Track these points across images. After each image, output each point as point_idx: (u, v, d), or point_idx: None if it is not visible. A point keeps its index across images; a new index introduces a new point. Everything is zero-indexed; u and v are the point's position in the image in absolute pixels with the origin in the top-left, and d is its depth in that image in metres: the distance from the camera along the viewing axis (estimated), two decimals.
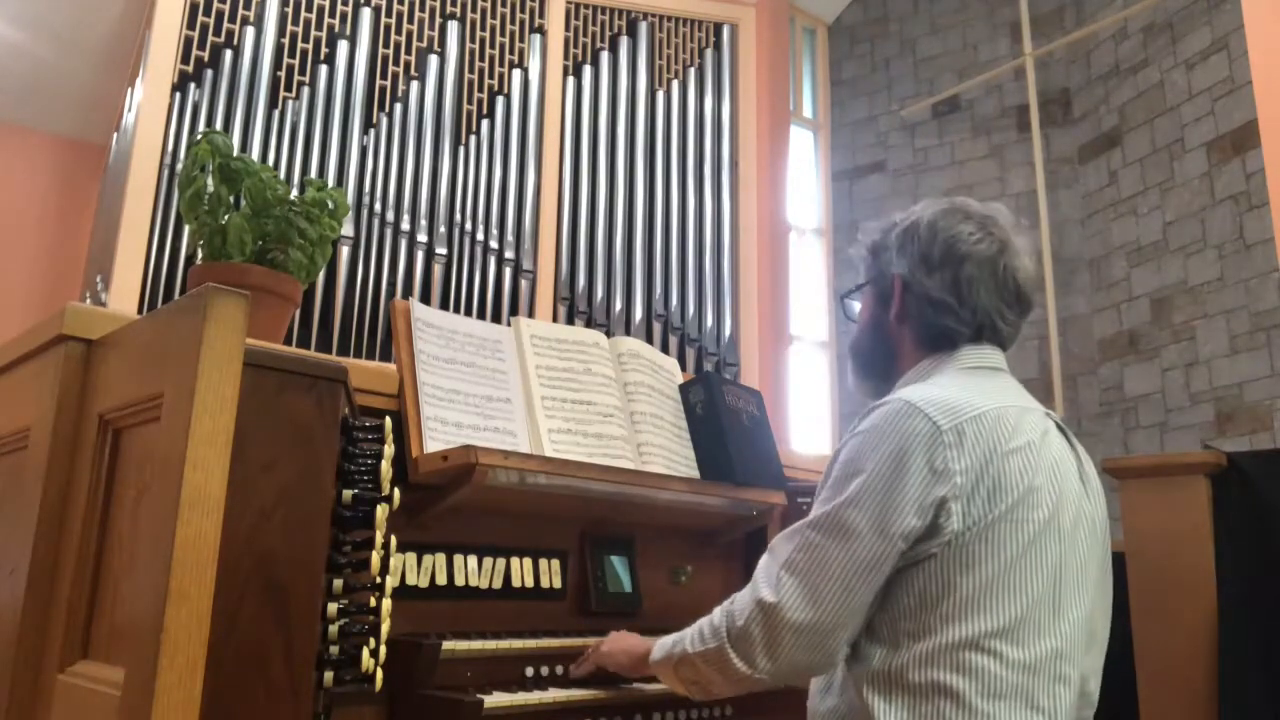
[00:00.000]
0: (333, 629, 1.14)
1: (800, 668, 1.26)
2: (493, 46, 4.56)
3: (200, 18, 4.00)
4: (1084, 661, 1.26)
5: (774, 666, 1.25)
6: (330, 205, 1.83)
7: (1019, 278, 1.40)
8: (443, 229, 4.19)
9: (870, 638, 1.25)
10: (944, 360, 1.39)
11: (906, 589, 1.22)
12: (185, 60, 3.95)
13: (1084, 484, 1.34)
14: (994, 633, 1.17)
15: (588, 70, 4.71)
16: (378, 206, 4.09)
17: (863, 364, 1.52)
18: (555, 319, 4.30)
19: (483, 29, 4.55)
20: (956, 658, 1.17)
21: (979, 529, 1.19)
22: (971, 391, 1.29)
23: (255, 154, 3.88)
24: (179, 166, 3.70)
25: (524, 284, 4.29)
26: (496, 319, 4.14)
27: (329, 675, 1.12)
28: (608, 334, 2.05)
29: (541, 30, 4.66)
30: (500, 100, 4.48)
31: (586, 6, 4.79)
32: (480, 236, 4.25)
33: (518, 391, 1.75)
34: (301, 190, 1.99)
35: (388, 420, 1.27)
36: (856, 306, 1.56)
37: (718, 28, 5.06)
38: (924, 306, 1.40)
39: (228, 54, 3.97)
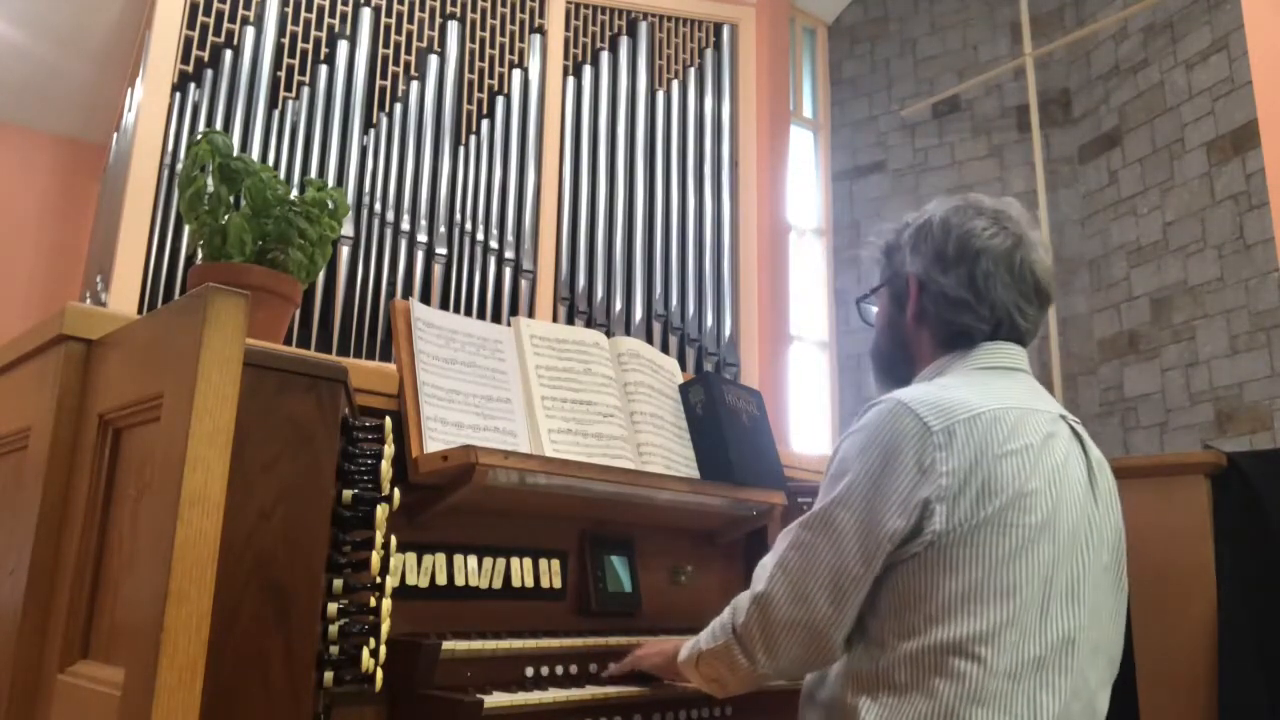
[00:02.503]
0: (333, 629, 1.14)
1: (799, 663, 1.27)
2: (493, 46, 4.56)
3: (200, 18, 4.00)
4: (1090, 675, 1.23)
5: (773, 663, 1.27)
6: (330, 205, 1.83)
7: (1036, 271, 1.38)
8: (443, 229, 4.19)
9: (860, 636, 1.26)
10: (957, 359, 1.37)
11: (892, 589, 1.22)
12: (185, 60, 3.95)
13: (1093, 491, 1.30)
14: (977, 637, 1.15)
15: (588, 70, 4.71)
16: (378, 206, 4.09)
17: (883, 367, 1.50)
18: (555, 319, 4.30)
19: (483, 29, 4.55)
20: (940, 660, 1.16)
21: (963, 531, 1.18)
22: (974, 391, 1.27)
23: (255, 154, 3.88)
24: (179, 166, 3.69)
25: (524, 284, 4.29)
26: (496, 319, 4.14)
27: (329, 675, 1.12)
28: (608, 334, 2.05)
29: (541, 30, 4.66)
30: (500, 100, 4.48)
31: (586, 6, 4.79)
32: (480, 236, 4.25)
33: (518, 391, 1.75)
34: (301, 190, 1.99)
35: (388, 420, 1.27)
36: (874, 310, 1.53)
37: (718, 28, 5.06)
38: (941, 305, 1.38)
39: (228, 54, 3.97)
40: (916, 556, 1.20)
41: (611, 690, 1.53)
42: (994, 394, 1.27)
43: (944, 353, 1.39)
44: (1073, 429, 1.34)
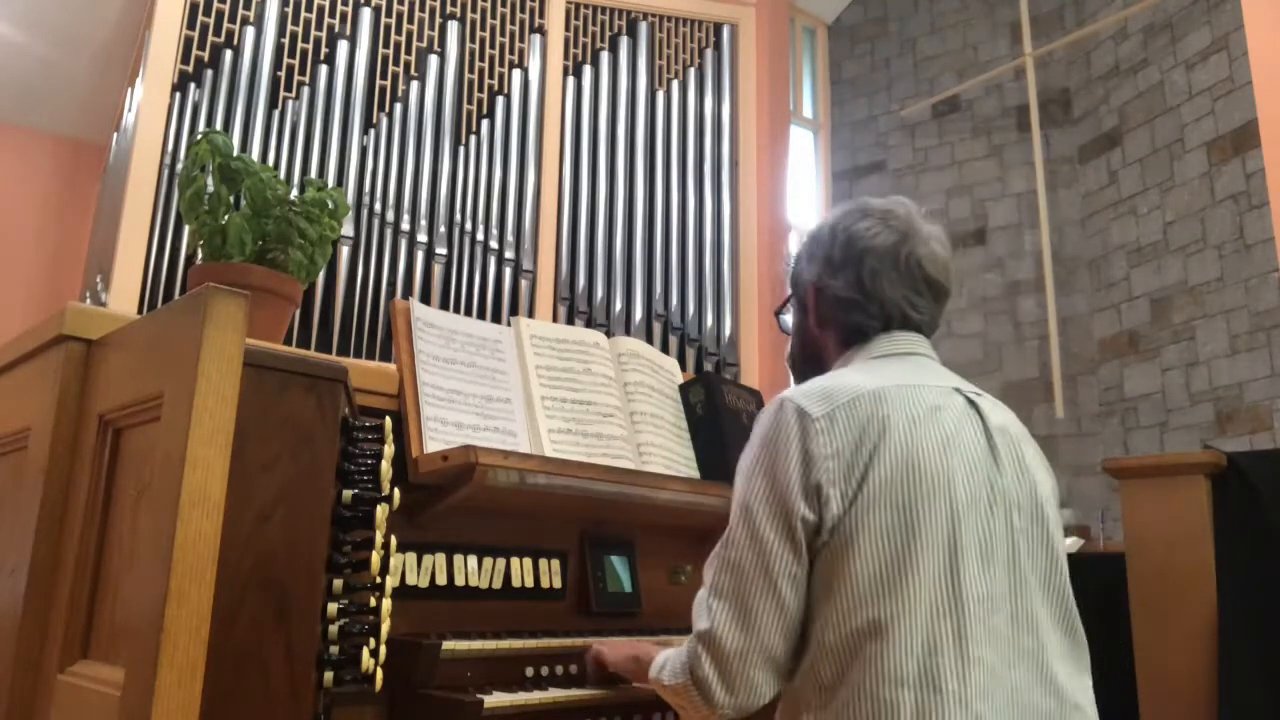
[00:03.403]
0: (333, 629, 1.14)
1: (761, 690, 1.24)
2: (493, 46, 4.56)
3: (200, 18, 4.00)
4: (1027, 642, 1.20)
5: (734, 698, 1.23)
6: (330, 205, 1.83)
7: (925, 265, 1.39)
8: (443, 229, 4.19)
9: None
10: (855, 353, 1.40)
11: (810, 586, 1.21)
12: (185, 60, 3.95)
13: (994, 459, 1.28)
14: (889, 618, 1.14)
15: (588, 70, 4.71)
16: (378, 206, 4.09)
17: (798, 373, 1.53)
18: (555, 319, 4.30)
19: (483, 29, 4.55)
20: (857, 647, 1.15)
21: (857, 512, 1.18)
22: (861, 375, 1.29)
23: (255, 154, 3.88)
24: (179, 166, 3.70)
25: (524, 284, 4.29)
26: (496, 319, 4.14)
27: (329, 675, 1.12)
28: (608, 334, 2.05)
29: (541, 30, 4.66)
30: (500, 100, 4.48)
31: (586, 6, 4.79)
32: (480, 236, 4.25)
33: (518, 391, 1.75)
34: (301, 190, 1.99)
35: (388, 420, 1.27)
36: (789, 320, 1.58)
37: (718, 28, 5.06)
38: (835, 307, 1.41)
39: (228, 54, 3.97)
40: (826, 546, 1.19)
41: (611, 690, 1.53)
42: (880, 376, 1.29)
43: (845, 351, 1.42)
44: (969, 400, 1.33)
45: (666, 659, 1.36)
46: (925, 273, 1.40)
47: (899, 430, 1.22)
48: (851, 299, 1.39)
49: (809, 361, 1.49)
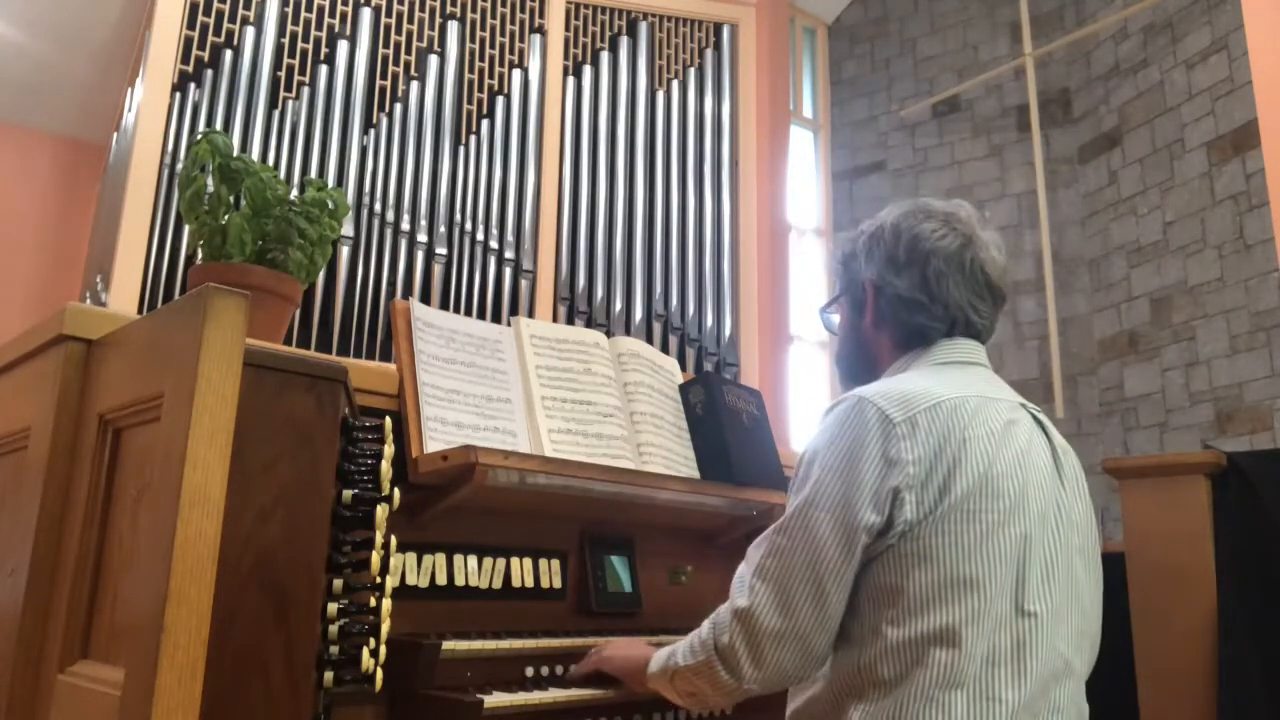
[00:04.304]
0: (333, 629, 1.14)
1: (788, 673, 1.26)
2: (493, 46, 4.56)
3: (200, 18, 4.00)
4: (1076, 660, 1.24)
5: (761, 675, 1.25)
6: (330, 205, 1.83)
7: (987, 269, 1.41)
8: (443, 229, 4.19)
9: (842, 641, 1.26)
10: (916, 357, 1.40)
11: (869, 585, 1.23)
12: (185, 60, 3.95)
13: (1060, 478, 1.32)
14: (955, 624, 1.16)
15: (588, 70, 4.71)
16: (378, 206, 4.09)
17: (848, 372, 1.53)
18: (555, 319, 4.30)
19: (483, 29, 4.55)
20: (921, 651, 1.16)
21: (933, 519, 1.19)
22: (934, 382, 1.29)
23: (255, 154, 3.88)
24: (179, 166, 3.70)
25: (524, 284, 4.29)
26: (496, 319, 4.14)
27: (329, 675, 1.12)
28: (608, 334, 2.05)
29: (541, 30, 4.66)
30: (500, 100, 4.48)
31: (586, 6, 4.79)
32: (480, 236, 4.25)
33: (518, 391, 1.75)
34: (301, 190, 1.99)
35: (388, 420, 1.27)
36: (836, 319, 1.57)
37: (718, 28, 5.06)
38: (896, 307, 1.41)
39: (228, 54, 3.97)
40: (891, 549, 1.21)
41: (612, 690, 1.53)
42: (953, 384, 1.30)
43: (903, 353, 1.42)
44: (1034, 416, 1.36)
45: (675, 647, 1.37)
46: (988, 277, 1.41)
47: (979, 443, 1.23)
48: (915, 300, 1.40)
49: (862, 362, 1.49)
